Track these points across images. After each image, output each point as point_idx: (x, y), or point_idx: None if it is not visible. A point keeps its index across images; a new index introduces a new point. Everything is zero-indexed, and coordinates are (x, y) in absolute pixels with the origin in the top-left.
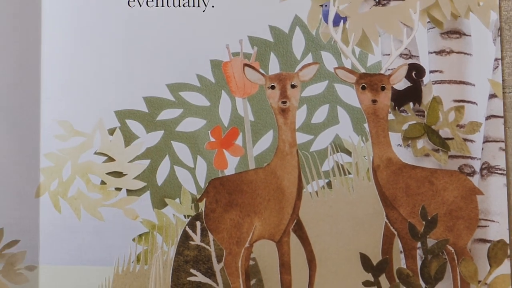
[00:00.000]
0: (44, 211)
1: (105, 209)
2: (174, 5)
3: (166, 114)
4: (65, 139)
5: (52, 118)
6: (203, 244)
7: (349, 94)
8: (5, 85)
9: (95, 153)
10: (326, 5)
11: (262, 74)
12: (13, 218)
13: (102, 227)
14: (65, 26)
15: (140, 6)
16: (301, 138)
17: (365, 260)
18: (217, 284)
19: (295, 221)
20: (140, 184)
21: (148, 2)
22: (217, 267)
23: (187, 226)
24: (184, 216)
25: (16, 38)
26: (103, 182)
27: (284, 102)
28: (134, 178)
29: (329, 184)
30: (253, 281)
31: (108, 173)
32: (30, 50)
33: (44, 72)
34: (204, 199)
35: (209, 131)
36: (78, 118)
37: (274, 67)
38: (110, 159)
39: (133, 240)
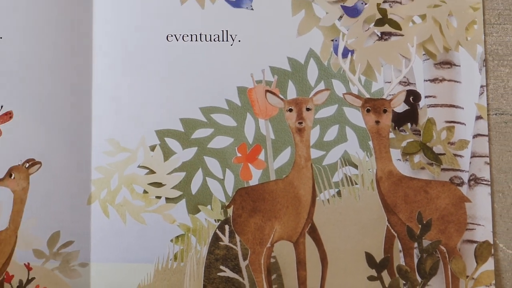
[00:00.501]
0: (95, 216)
1: (147, 214)
2: (206, 40)
3: (199, 133)
4: (113, 155)
5: (102, 137)
6: (231, 245)
7: (356, 116)
8: (61, 108)
9: (139, 166)
10: (336, 40)
11: (282, 99)
12: (68, 222)
13: (145, 230)
14: (113, 56)
15: (177, 40)
16: (315, 153)
17: (369, 258)
18: (243, 279)
19: (309, 224)
20: (177, 193)
21: (183, 37)
22: (243, 264)
23: (217, 229)
24: (215, 220)
25: (71, 69)
26: (145, 191)
27: (300, 123)
28: (172, 188)
29: (338, 193)
30: (273, 276)
31: (150, 184)
32: (83, 79)
33: (95, 97)
34: (232, 206)
35: (236, 148)
36: (124, 137)
37: (291, 92)
38: (151, 171)
39: (171, 241)
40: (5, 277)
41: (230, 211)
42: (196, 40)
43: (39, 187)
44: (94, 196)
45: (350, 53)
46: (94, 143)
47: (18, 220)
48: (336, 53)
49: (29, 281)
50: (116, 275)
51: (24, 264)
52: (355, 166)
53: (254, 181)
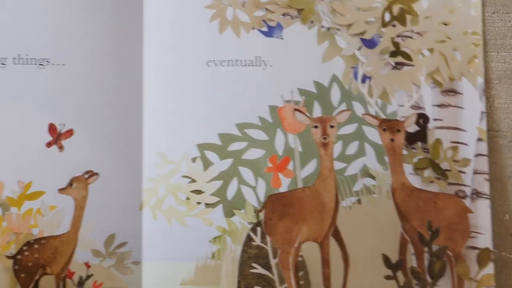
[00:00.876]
0: (145, 220)
1: (189, 218)
2: (241, 65)
3: (235, 146)
4: (161, 166)
5: (152, 150)
6: (262, 244)
7: (373, 134)
8: (116, 125)
9: (182, 176)
10: (356, 67)
11: (308, 117)
12: (122, 226)
13: (187, 232)
14: (160, 80)
15: (216, 65)
16: (338, 165)
17: (386, 259)
18: (273, 275)
19: (333, 228)
20: (215, 199)
21: (222, 63)
22: (273, 262)
23: (250, 231)
24: (248, 223)
25: (125, 92)
26: (187, 198)
27: (325, 138)
28: (211, 195)
29: (359, 201)
30: (301, 273)
31: (191, 191)
32: (134, 100)
33: (145, 116)
34: (264, 210)
35: (268, 159)
36: (170, 150)
37: (317, 111)
38: (193, 180)
39: (209, 241)
40: (67, 273)
41: (262, 215)
42: (233, 65)
43: (97, 195)
44: (145, 203)
45: (368, 79)
46: (144, 156)
47: (78, 225)
48: (356, 78)
49: (88, 277)
50: (163, 271)
51: (84, 262)
52: (373, 178)
53: (283, 189)
